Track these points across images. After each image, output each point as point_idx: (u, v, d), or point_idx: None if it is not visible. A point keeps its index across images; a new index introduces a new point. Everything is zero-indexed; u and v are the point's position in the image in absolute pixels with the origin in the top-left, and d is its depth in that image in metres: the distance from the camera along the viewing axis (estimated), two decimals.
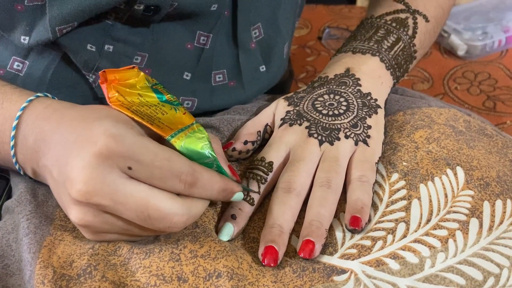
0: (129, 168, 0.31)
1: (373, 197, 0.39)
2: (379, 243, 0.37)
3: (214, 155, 0.33)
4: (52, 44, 0.43)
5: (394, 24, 0.49)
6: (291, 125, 0.42)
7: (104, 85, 0.34)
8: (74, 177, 0.31)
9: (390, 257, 0.36)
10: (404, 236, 0.37)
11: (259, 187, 0.40)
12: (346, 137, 0.41)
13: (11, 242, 0.37)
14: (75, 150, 0.31)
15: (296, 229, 0.38)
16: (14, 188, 0.42)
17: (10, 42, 0.44)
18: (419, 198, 0.39)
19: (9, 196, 0.42)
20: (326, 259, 0.36)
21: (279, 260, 0.36)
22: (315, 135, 0.41)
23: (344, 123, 0.42)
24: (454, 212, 0.38)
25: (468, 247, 0.36)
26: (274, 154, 0.41)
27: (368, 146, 0.41)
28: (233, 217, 0.38)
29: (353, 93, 0.44)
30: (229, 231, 0.37)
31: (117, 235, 0.35)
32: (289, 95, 0.46)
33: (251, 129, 0.44)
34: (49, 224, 0.37)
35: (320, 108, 0.43)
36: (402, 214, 0.38)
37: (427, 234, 0.37)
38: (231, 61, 0.48)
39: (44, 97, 0.38)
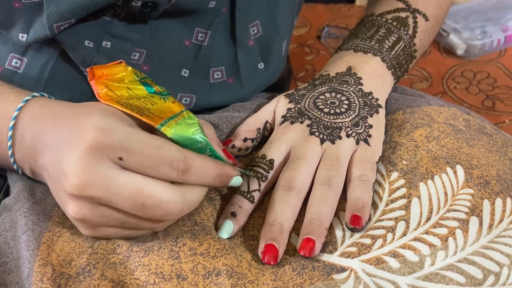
0: (120, 158, 0.31)
1: (373, 196, 0.39)
2: (379, 241, 0.37)
3: (206, 139, 0.33)
4: (50, 41, 0.43)
5: (394, 23, 0.49)
6: (292, 123, 0.42)
7: (93, 82, 0.35)
8: (68, 171, 0.31)
9: (390, 256, 0.36)
10: (404, 234, 0.37)
11: (259, 185, 0.40)
12: (348, 136, 0.41)
13: (9, 240, 0.37)
14: (67, 145, 0.32)
15: (296, 227, 0.38)
16: (12, 186, 0.42)
17: (8, 39, 0.44)
18: (419, 197, 0.39)
19: (7, 194, 0.42)
20: (326, 257, 0.36)
21: (279, 258, 0.36)
22: (317, 134, 0.41)
23: (346, 122, 0.42)
24: (454, 210, 0.38)
25: (468, 245, 0.36)
26: (275, 152, 0.41)
27: (369, 146, 0.41)
28: (233, 214, 0.38)
29: (355, 92, 0.44)
30: (229, 228, 0.37)
31: (115, 229, 0.34)
32: (289, 92, 0.46)
33: (251, 126, 0.44)
34: (47, 221, 0.37)
35: (322, 107, 0.43)
36: (402, 212, 0.38)
37: (427, 232, 0.37)
38: (229, 58, 0.48)
39: (40, 97, 0.38)
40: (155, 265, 0.34)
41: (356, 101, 0.44)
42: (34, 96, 0.38)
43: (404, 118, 0.46)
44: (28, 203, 0.38)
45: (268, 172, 0.40)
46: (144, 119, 0.33)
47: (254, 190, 0.39)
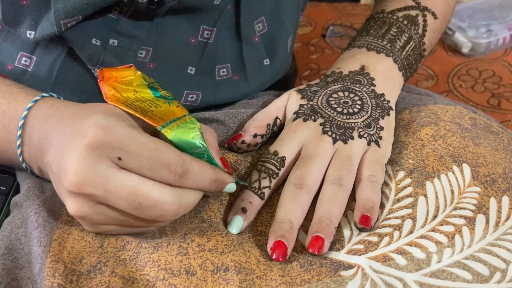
0: (119, 158, 0.32)
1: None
2: (386, 239, 0.37)
3: (205, 145, 0.34)
4: (58, 39, 0.43)
5: (405, 22, 0.49)
6: (305, 120, 0.42)
7: (102, 83, 0.36)
8: (67, 168, 0.32)
9: (397, 253, 0.36)
10: (411, 232, 0.37)
11: (270, 182, 0.40)
12: (360, 136, 0.41)
13: (20, 236, 0.37)
14: (69, 143, 0.32)
15: (303, 225, 0.38)
16: (21, 184, 0.42)
17: (16, 38, 0.44)
18: (425, 195, 0.39)
19: (17, 192, 0.42)
20: (333, 254, 0.36)
21: (288, 255, 0.36)
22: (329, 133, 0.41)
23: (358, 122, 0.42)
24: (461, 208, 0.38)
25: (475, 242, 0.36)
26: (287, 149, 0.41)
27: (379, 147, 0.41)
28: (244, 210, 0.38)
29: (368, 92, 0.44)
30: (239, 224, 0.38)
31: (116, 227, 0.35)
32: (301, 87, 0.46)
33: (261, 121, 0.44)
34: (56, 219, 0.37)
35: (335, 106, 0.43)
36: (409, 211, 0.38)
37: (433, 230, 0.37)
38: (235, 55, 0.48)
39: (49, 97, 0.39)
40: (164, 261, 0.34)
41: (369, 102, 0.44)
42: (43, 97, 0.38)
43: (410, 118, 0.46)
44: (38, 200, 0.38)
45: (279, 170, 0.40)
46: (146, 120, 0.33)
47: (265, 187, 0.40)
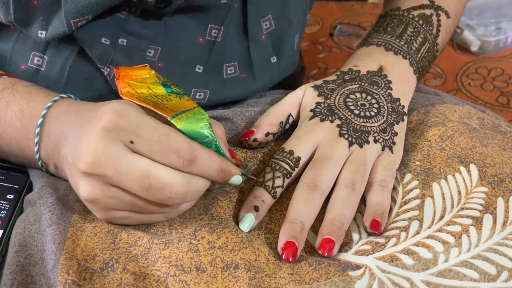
0: (131, 142, 0.33)
1: None
2: (393, 240, 0.37)
3: (213, 135, 0.35)
4: (69, 38, 0.43)
5: (421, 22, 0.49)
6: (322, 120, 0.42)
7: (118, 81, 0.37)
8: (83, 150, 0.33)
9: (404, 253, 0.36)
10: (418, 232, 0.37)
11: (283, 181, 0.40)
12: (375, 141, 0.41)
13: (33, 233, 0.38)
14: (85, 129, 0.34)
15: (313, 225, 0.38)
16: (34, 182, 0.43)
17: (28, 38, 0.45)
18: (432, 196, 0.39)
19: (29, 190, 0.43)
20: (341, 256, 0.37)
21: (298, 256, 0.36)
22: (346, 136, 0.41)
23: (374, 126, 0.42)
24: (468, 208, 0.38)
25: (482, 242, 0.36)
26: (302, 149, 0.41)
27: (392, 153, 0.42)
28: (256, 208, 0.38)
29: (384, 96, 0.44)
30: (250, 222, 0.38)
31: (126, 213, 0.36)
32: (317, 83, 0.45)
33: (274, 118, 0.44)
34: (70, 216, 0.38)
35: (352, 107, 0.43)
36: (416, 212, 0.39)
37: (440, 230, 0.37)
38: (242, 54, 0.49)
39: (68, 98, 0.40)
40: (175, 258, 0.35)
41: (385, 106, 0.44)
42: (62, 97, 0.39)
43: (418, 119, 0.46)
44: (52, 198, 0.39)
45: (293, 170, 0.41)
46: (157, 111, 0.34)
47: (278, 186, 0.40)
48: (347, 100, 0.44)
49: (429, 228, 0.37)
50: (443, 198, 0.39)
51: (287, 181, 0.40)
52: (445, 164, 0.41)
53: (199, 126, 0.34)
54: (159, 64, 0.46)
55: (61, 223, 0.37)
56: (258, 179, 0.40)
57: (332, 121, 0.42)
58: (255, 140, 0.43)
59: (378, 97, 0.44)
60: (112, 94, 0.47)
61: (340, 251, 0.37)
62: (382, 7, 0.56)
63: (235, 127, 0.46)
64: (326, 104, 0.43)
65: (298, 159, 0.41)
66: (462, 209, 0.38)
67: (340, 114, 0.42)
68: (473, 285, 0.34)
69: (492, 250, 0.36)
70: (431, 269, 0.35)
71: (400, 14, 0.50)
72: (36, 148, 0.39)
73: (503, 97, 0.75)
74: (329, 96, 0.44)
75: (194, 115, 0.35)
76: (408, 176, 0.41)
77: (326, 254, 0.36)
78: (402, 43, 0.48)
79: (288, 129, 0.45)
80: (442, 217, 0.38)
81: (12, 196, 0.42)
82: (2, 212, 0.40)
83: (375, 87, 0.45)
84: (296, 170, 0.41)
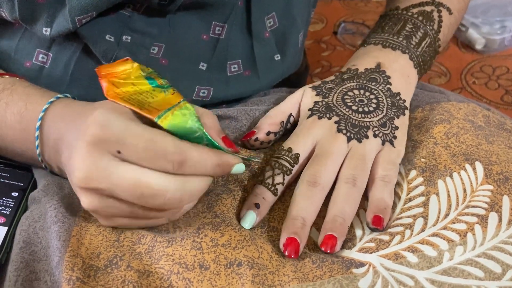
0: (118, 152, 0.32)
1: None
2: (397, 237, 0.37)
3: (202, 128, 0.33)
4: (73, 36, 0.44)
5: (420, 18, 0.49)
6: (320, 117, 0.42)
7: (101, 81, 0.36)
8: (75, 166, 0.33)
9: (408, 251, 0.36)
10: (422, 230, 0.37)
11: (283, 178, 0.40)
12: (375, 136, 0.41)
13: (38, 230, 0.38)
14: (74, 143, 0.34)
15: (315, 222, 0.38)
16: (39, 180, 0.43)
17: (33, 35, 0.45)
18: (437, 194, 0.39)
19: (34, 188, 0.43)
20: (345, 253, 0.37)
21: (300, 252, 0.36)
22: (344, 131, 0.41)
23: (373, 121, 0.42)
24: (473, 206, 0.38)
25: (487, 240, 0.36)
26: (301, 146, 0.41)
27: (394, 147, 0.41)
28: (257, 206, 0.39)
29: (383, 91, 0.44)
30: (252, 219, 0.38)
31: (128, 219, 0.36)
32: (316, 84, 0.46)
33: (275, 118, 0.44)
34: (74, 215, 0.38)
35: (350, 104, 0.43)
36: (420, 209, 0.38)
37: (445, 228, 0.37)
38: (246, 51, 0.49)
39: (64, 98, 0.40)
40: (179, 255, 0.35)
41: (384, 101, 0.44)
42: (58, 98, 0.39)
43: (423, 116, 0.46)
44: (57, 196, 0.39)
45: (293, 167, 0.41)
46: (143, 113, 0.33)
47: (278, 183, 0.40)
48: (345, 97, 0.44)
49: (434, 225, 0.37)
50: (448, 195, 0.39)
51: (287, 178, 0.40)
52: (450, 162, 0.41)
53: (186, 123, 0.33)
54: (163, 61, 0.46)
55: (67, 221, 0.37)
56: (259, 178, 0.40)
57: (329, 118, 0.42)
58: (256, 139, 0.43)
59: (377, 93, 0.44)
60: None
61: (343, 248, 0.37)
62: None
63: (240, 126, 0.46)
64: (324, 103, 0.43)
65: (297, 155, 0.41)
66: (467, 207, 0.38)
67: (337, 111, 0.43)
68: (478, 283, 0.34)
69: (498, 249, 0.36)
70: (435, 267, 0.35)
71: (398, 13, 0.50)
72: (38, 151, 0.39)
73: (508, 96, 0.74)
74: (327, 95, 0.44)
75: (180, 111, 0.33)
76: (413, 173, 0.41)
77: (328, 251, 0.36)
78: (400, 39, 0.48)
79: (290, 130, 0.45)
80: (447, 215, 0.38)
81: (16, 194, 0.42)
82: (6, 209, 0.40)
83: (373, 83, 0.45)
84: (296, 167, 0.41)
